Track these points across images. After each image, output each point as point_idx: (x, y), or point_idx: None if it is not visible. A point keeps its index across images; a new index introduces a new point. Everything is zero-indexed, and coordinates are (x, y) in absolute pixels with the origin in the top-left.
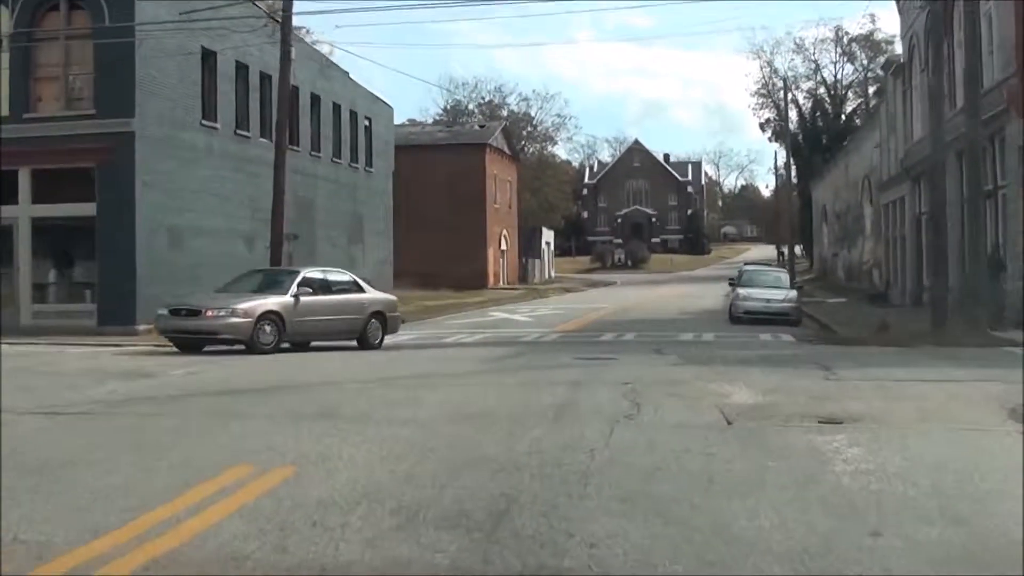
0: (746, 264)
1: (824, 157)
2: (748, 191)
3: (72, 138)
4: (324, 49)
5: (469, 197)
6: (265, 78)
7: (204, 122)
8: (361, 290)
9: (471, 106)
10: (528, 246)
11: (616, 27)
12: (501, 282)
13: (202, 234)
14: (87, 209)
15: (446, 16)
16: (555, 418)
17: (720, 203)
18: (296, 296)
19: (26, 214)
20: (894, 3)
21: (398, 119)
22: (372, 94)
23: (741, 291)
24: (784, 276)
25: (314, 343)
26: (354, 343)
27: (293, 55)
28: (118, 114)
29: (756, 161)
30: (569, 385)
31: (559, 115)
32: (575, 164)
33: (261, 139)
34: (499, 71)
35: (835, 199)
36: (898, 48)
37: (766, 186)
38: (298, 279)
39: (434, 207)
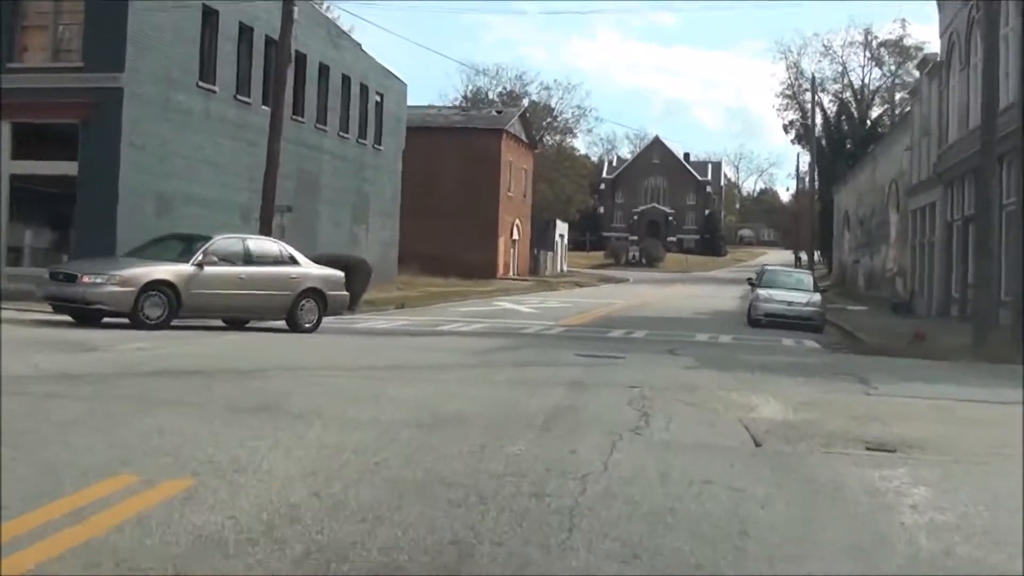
0: (767, 264)
1: (848, 162)
2: (767, 195)
3: (57, 91)
4: (346, 27)
5: (483, 183)
6: (271, 43)
7: (202, 84)
8: (295, 263)
9: (491, 95)
10: (541, 238)
11: (640, 24)
12: (511, 272)
13: (193, 203)
14: (69, 168)
15: (472, 7)
16: (544, 427)
17: (738, 205)
18: (200, 265)
19: (6, 171)
20: (933, 1)
21: (416, 102)
22: (385, 68)
23: (761, 292)
24: (807, 278)
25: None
26: (331, 322)
27: (296, 15)
28: (107, 68)
29: (776, 164)
30: (567, 386)
31: (579, 106)
32: (594, 159)
33: (263, 107)
34: (522, 62)
35: (859, 204)
36: (926, 52)
37: (786, 189)
38: (205, 246)
39: (446, 192)
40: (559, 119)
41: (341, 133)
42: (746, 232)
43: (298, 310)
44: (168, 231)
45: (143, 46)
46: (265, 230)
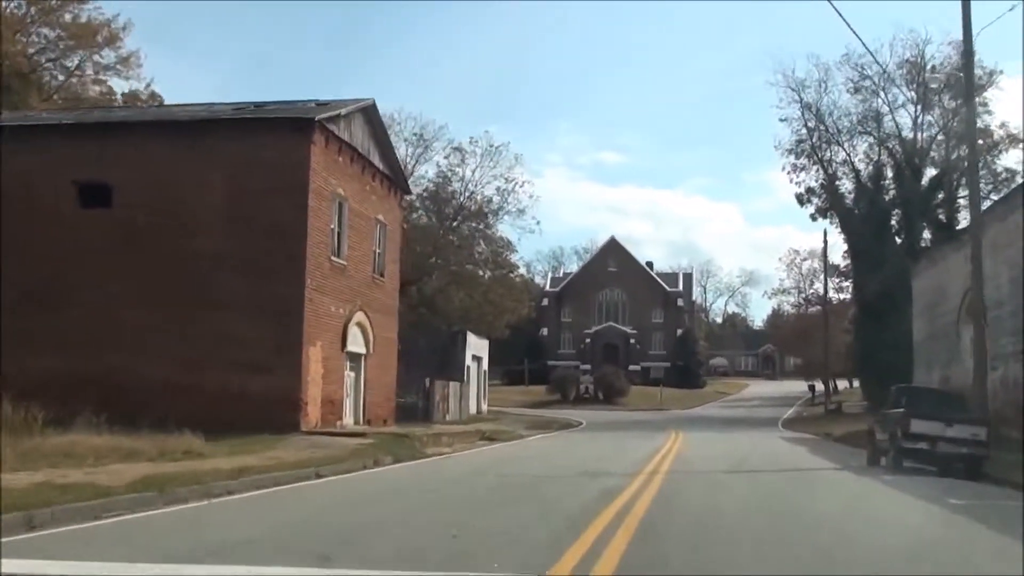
0: None
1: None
2: (736, 319)
3: None
4: None
5: (271, 231)
6: None
7: None
8: None
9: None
10: (442, 359)
11: (589, 163)
12: (346, 417)
13: None
14: None
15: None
16: None
17: (704, 330)
18: None
19: None
20: None
21: None
22: None
23: None
24: None
25: None
26: None
27: None
28: None
29: (750, 283)
30: None
31: (506, 178)
32: (539, 280)
33: None
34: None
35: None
36: None
37: (804, 305)
38: None
39: (193, 246)
40: (476, 196)
41: None
42: (719, 361)
43: None
44: None
45: None
46: None
